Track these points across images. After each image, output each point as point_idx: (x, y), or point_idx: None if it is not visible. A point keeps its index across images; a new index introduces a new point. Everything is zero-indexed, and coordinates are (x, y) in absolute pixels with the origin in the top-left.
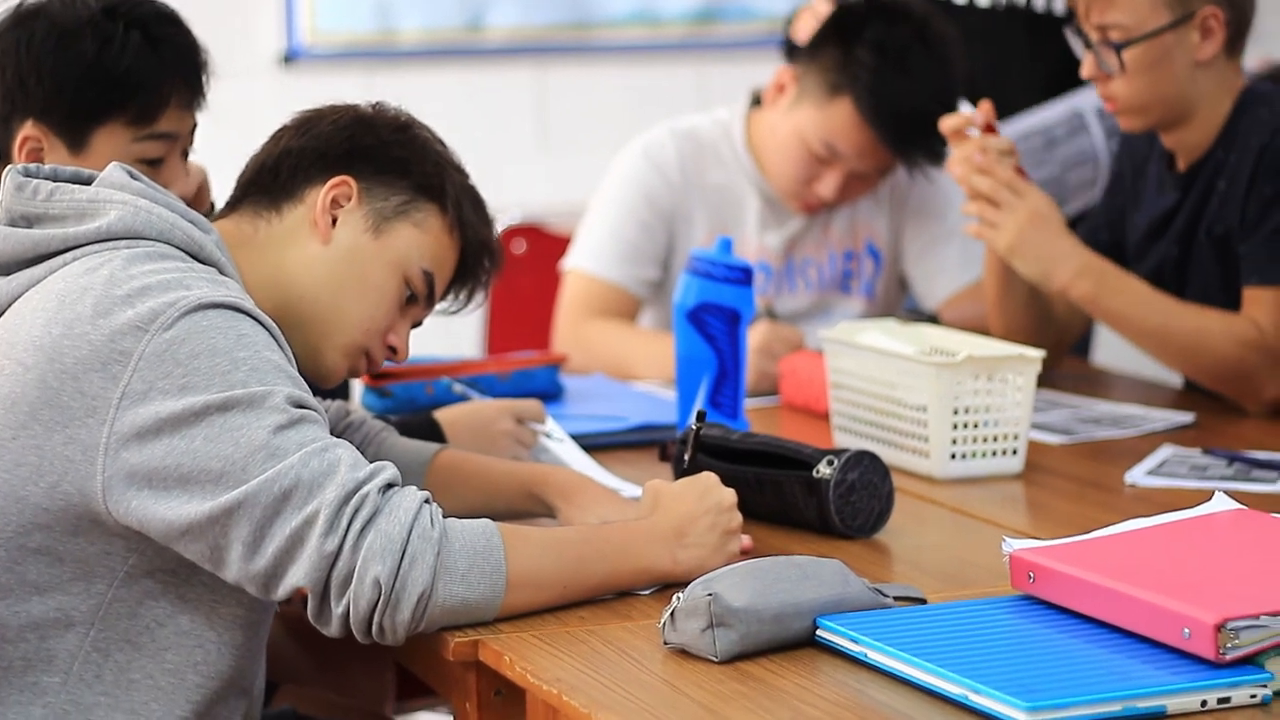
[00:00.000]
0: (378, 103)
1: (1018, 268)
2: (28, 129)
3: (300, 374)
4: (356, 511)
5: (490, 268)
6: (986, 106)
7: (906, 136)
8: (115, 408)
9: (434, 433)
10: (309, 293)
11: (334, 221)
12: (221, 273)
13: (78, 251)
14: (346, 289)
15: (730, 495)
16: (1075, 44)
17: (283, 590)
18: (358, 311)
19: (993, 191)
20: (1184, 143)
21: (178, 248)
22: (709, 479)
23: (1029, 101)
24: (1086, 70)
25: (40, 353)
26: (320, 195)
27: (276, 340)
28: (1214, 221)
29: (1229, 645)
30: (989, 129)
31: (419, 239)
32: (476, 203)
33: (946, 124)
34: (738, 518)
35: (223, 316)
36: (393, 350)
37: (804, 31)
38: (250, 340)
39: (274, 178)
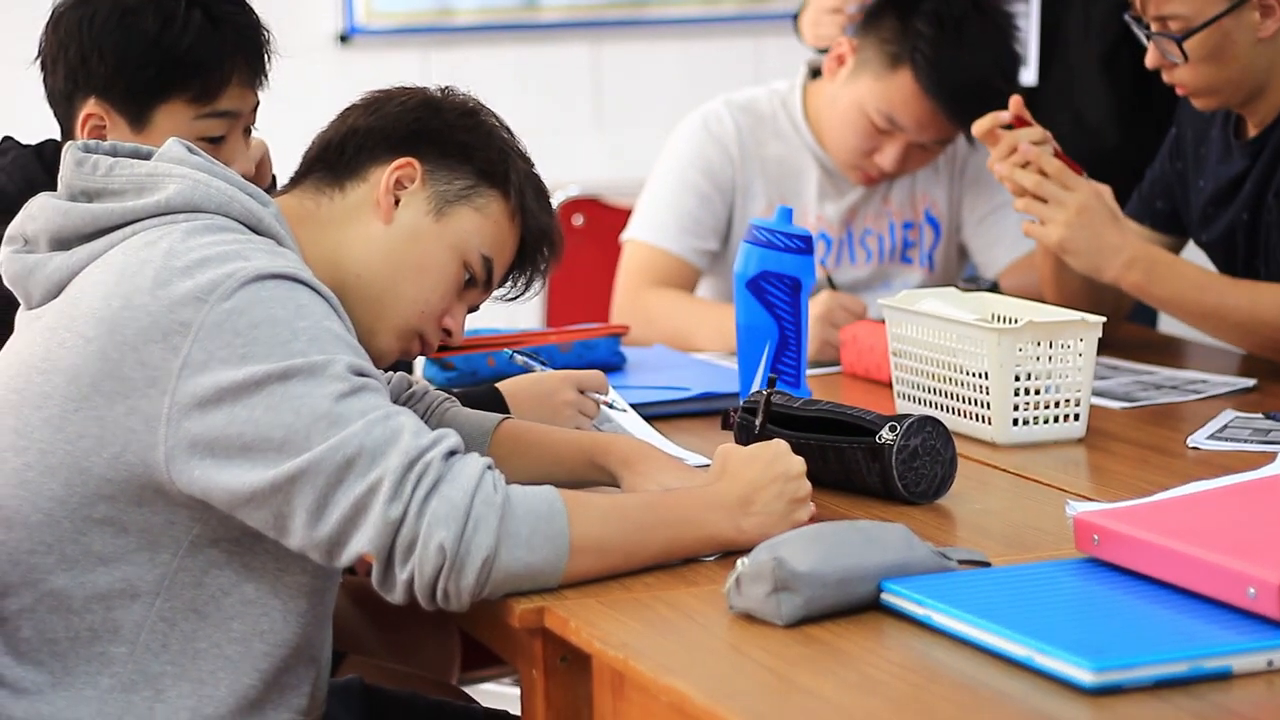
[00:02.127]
0: (447, 87)
1: (1069, 262)
2: (90, 106)
3: None
4: (420, 478)
5: (549, 256)
6: (1017, 101)
7: (966, 107)
8: (176, 378)
9: (497, 403)
10: (366, 271)
11: (396, 202)
12: (280, 245)
13: (137, 225)
14: (404, 269)
15: (799, 463)
16: (1138, 33)
17: (347, 557)
18: (414, 293)
19: (1037, 188)
20: (1257, 113)
21: (236, 220)
22: (779, 446)
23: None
24: (1151, 60)
25: (101, 325)
26: (384, 175)
27: (335, 310)
28: None
29: None
30: (1020, 122)
31: (480, 224)
32: (539, 191)
33: (977, 127)
34: (806, 486)
35: (281, 287)
36: (447, 333)
37: (811, 27)
38: (309, 310)
39: (339, 155)
